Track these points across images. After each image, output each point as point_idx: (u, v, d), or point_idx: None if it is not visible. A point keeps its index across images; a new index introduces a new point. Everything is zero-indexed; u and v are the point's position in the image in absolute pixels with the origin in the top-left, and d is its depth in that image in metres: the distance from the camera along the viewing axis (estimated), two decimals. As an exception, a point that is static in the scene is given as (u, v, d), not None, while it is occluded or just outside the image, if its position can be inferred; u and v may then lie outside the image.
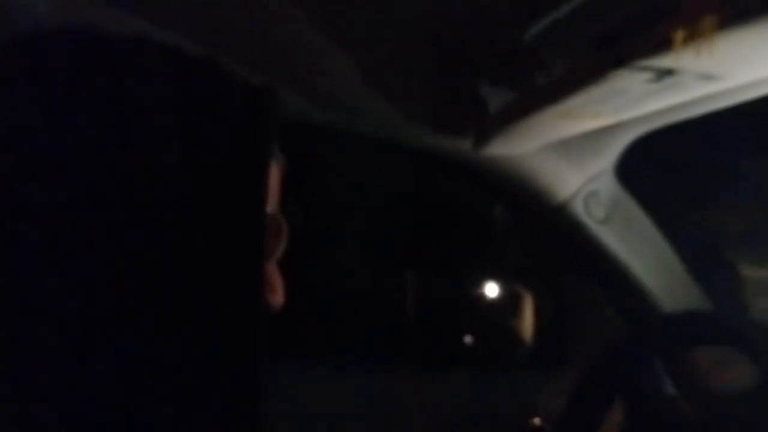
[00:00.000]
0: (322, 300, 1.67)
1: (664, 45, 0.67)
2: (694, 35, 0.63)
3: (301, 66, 1.02)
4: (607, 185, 1.26)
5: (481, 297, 1.75)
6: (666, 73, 0.73)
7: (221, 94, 0.48)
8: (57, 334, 0.42)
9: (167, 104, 0.46)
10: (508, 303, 1.67)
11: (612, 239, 1.27)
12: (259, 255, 0.48)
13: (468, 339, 1.76)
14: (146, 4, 0.86)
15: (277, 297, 0.55)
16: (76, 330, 0.42)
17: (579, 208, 1.25)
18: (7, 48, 0.47)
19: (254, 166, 0.48)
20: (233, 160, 0.47)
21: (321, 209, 1.73)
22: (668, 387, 1.20)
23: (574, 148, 1.17)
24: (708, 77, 0.74)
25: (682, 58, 0.68)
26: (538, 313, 1.61)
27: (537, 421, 1.22)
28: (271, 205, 0.54)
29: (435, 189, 1.84)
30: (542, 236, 1.51)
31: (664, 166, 1.40)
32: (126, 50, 0.47)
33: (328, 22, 0.92)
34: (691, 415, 1.15)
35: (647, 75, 0.74)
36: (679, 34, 0.64)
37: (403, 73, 1.05)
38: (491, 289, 1.73)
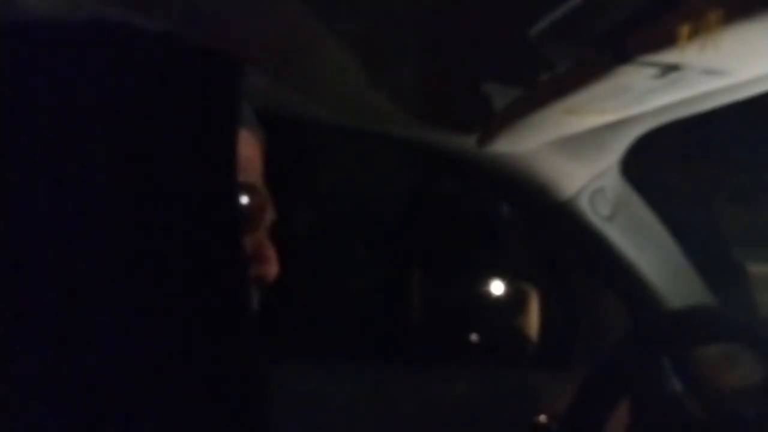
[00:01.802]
0: (327, 298, 1.68)
1: (668, 40, 0.66)
2: (699, 30, 0.63)
3: (305, 64, 1.02)
4: (613, 182, 1.26)
5: (487, 294, 1.74)
6: (671, 68, 0.72)
7: (181, 65, 0.48)
8: (40, 321, 0.42)
9: (129, 81, 0.46)
10: (514, 300, 1.67)
11: (618, 236, 1.27)
12: (236, 224, 0.47)
13: (473, 337, 1.76)
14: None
15: (270, 268, 0.55)
16: (62, 317, 0.42)
17: (584, 205, 1.24)
18: None
19: (220, 134, 0.48)
20: (199, 131, 0.47)
21: (326, 207, 1.73)
22: (675, 384, 1.20)
23: (580, 145, 1.17)
24: (713, 72, 0.74)
25: (687, 54, 0.68)
26: (543, 310, 1.61)
27: (543, 418, 1.21)
28: (253, 176, 0.54)
29: (440, 186, 1.84)
30: (547, 233, 1.51)
31: (670, 163, 1.39)
32: (85, 33, 0.47)
33: (332, 19, 0.92)
34: (699, 413, 1.14)
35: (652, 71, 0.74)
36: (684, 29, 0.64)
37: (407, 70, 1.05)
38: (497, 287, 1.73)
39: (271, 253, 0.55)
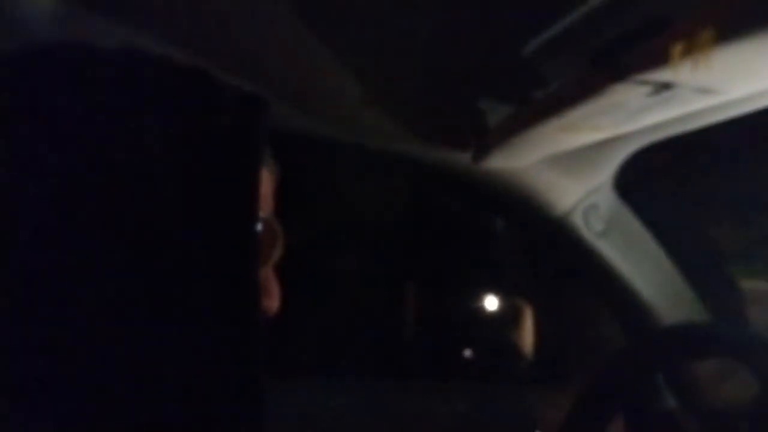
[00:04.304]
0: (321, 313, 1.67)
1: (661, 59, 0.67)
2: (691, 49, 0.64)
3: (301, 80, 1.03)
4: (606, 198, 1.27)
5: (481, 310, 1.74)
6: (664, 86, 0.73)
7: (211, 102, 0.49)
8: (52, 339, 0.43)
9: (158, 115, 0.46)
10: (508, 316, 1.67)
11: (611, 252, 1.27)
12: (253, 261, 0.48)
13: (468, 352, 1.76)
14: (145, 21, 0.86)
15: (273, 302, 0.55)
16: (71, 337, 0.43)
17: (578, 221, 1.25)
18: (2, 62, 0.47)
19: (245, 173, 0.48)
20: (224, 168, 0.48)
21: (321, 222, 1.73)
22: (668, 399, 1.20)
23: (573, 162, 1.18)
24: (706, 91, 0.74)
25: (679, 72, 0.68)
26: (537, 326, 1.61)
27: (537, 434, 1.21)
28: (266, 211, 0.55)
29: (435, 202, 1.84)
30: (542, 249, 1.52)
31: (662, 179, 1.40)
32: (116, 62, 0.48)
33: (329, 36, 0.93)
34: (692, 428, 1.14)
35: (645, 88, 0.75)
36: (677, 48, 0.65)
37: (403, 86, 1.06)
38: (491, 302, 1.73)
39: (276, 289, 0.56)
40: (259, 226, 0.51)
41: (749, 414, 1.08)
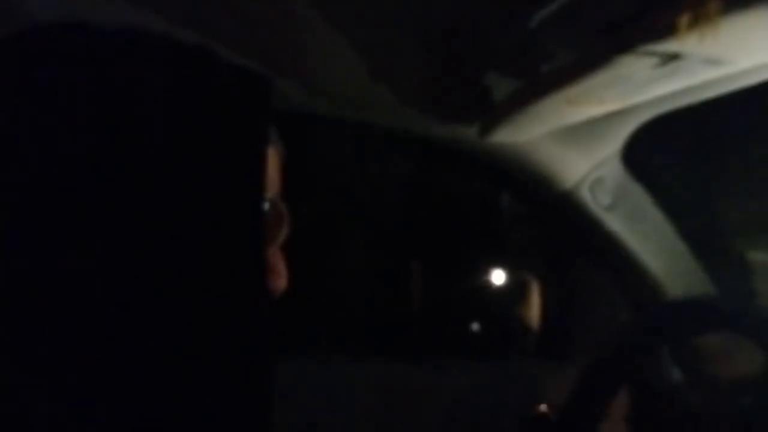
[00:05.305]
0: (328, 289, 1.68)
1: (668, 30, 0.67)
2: (698, 20, 0.63)
3: (305, 57, 1.02)
4: (614, 172, 1.26)
5: (488, 285, 1.75)
6: (671, 58, 0.73)
7: (216, 82, 0.49)
8: (53, 325, 0.43)
9: (163, 94, 0.46)
10: (515, 290, 1.67)
11: (619, 226, 1.27)
12: (259, 241, 0.48)
13: (475, 327, 1.76)
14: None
15: (280, 281, 0.56)
16: (75, 320, 0.43)
17: (585, 195, 1.25)
18: (3, 43, 0.47)
19: (251, 153, 0.48)
20: (230, 148, 0.47)
21: (326, 199, 1.73)
22: (674, 374, 1.21)
23: (580, 135, 1.17)
24: (713, 62, 0.74)
25: (686, 43, 0.68)
26: (544, 300, 1.61)
27: (542, 408, 1.22)
28: (272, 191, 0.55)
29: (441, 177, 1.84)
30: (549, 223, 1.51)
31: (670, 152, 1.39)
32: (119, 42, 0.47)
33: (333, 12, 0.92)
34: (698, 402, 1.15)
35: (652, 60, 0.74)
36: (684, 19, 0.64)
37: (408, 61, 1.05)
38: (498, 277, 1.74)
39: (282, 268, 0.56)
40: (266, 206, 0.51)
41: (755, 388, 1.08)
